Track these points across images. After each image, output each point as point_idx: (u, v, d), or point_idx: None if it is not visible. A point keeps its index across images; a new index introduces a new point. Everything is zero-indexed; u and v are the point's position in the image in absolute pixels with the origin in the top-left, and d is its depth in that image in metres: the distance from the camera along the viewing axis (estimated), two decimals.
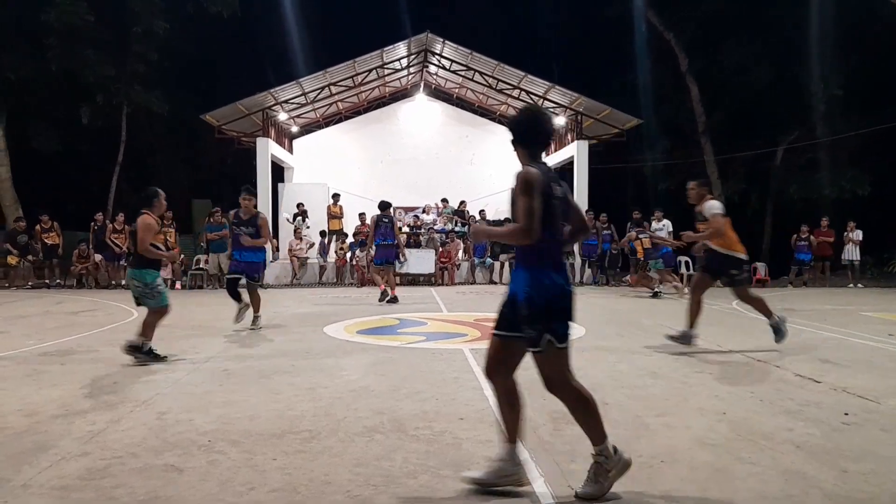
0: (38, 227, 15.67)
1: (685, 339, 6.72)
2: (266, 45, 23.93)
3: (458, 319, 9.22)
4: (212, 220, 15.59)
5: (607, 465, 2.89)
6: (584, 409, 2.95)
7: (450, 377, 5.31)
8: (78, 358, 6.21)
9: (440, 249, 16.86)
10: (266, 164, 17.98)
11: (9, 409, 4.32)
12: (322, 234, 17.41)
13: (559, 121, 19.84)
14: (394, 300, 11.17)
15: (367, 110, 22.70)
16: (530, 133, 3.09)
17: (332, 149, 21.84)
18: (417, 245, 17.21)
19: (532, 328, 2.90)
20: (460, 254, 17.56)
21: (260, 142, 18.17)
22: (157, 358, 5.99)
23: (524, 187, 2.85)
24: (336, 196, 18.64)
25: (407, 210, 19.48)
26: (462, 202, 19.40)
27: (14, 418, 4.11)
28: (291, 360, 6.11)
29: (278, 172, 20.85)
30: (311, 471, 3.21)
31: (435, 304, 11.52)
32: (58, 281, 15.54)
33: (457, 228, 18.29)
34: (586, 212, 16.66)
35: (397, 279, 12.96)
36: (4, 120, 20.09)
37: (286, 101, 19.16)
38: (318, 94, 19.52)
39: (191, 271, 15.93)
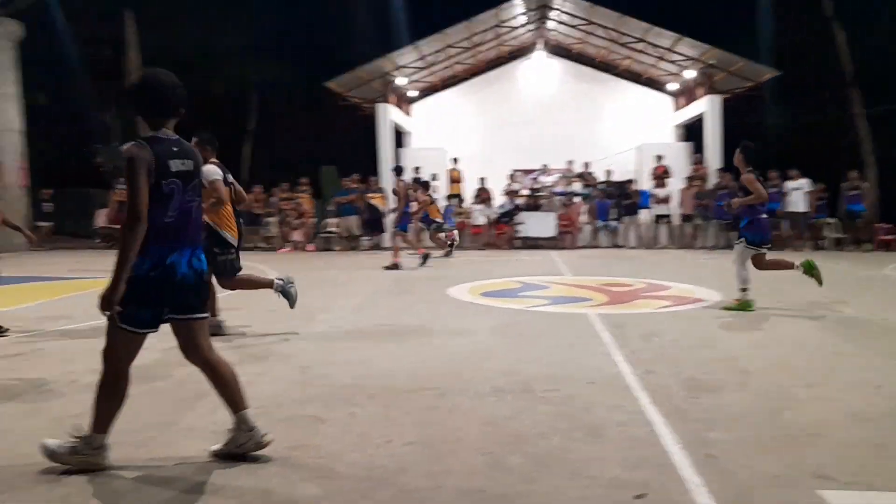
0: None
1: None
2: (384, 8, 24.08)
3: (582, 284, 9.08)
4: (343, 185, 16.19)
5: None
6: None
7: (577, 342, 5.26)
8: (225, 315, 6.67)
9: (561, 213, 16.60)
10: (386, 129, 18.33)
11: (173, 360, 4.72)
12: (449, 198, 17.61)
13: (689, 74, 18.77)
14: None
15: (484, 71, 22.49)
16: (146, 102, 2.86)
17: (450, 112, 21.88)
18: (537, 208, 17.02)
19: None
20: (583, 216, 17.21)
21: (380, 107, 18.51)
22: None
23: (127, 167, 2.65)
24: (455, 160, 18.75)
25: (526, 172, 19.27)
26: (585, 163, 18.92)
27: (177, 368, 4.49)
28: (419, 320, 6.28)
29: (398, 137, 21.23)
30: (443, 427, 3.30)
31: (557, 268, 11.40)
32: None
33: (578, 190, 17.90)
34: (721, 170, 15.81)
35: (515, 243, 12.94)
36: None
37: (405, 66, 19.36)
38: (436, 56, 19.56)
39: (320, 234, 16.67)
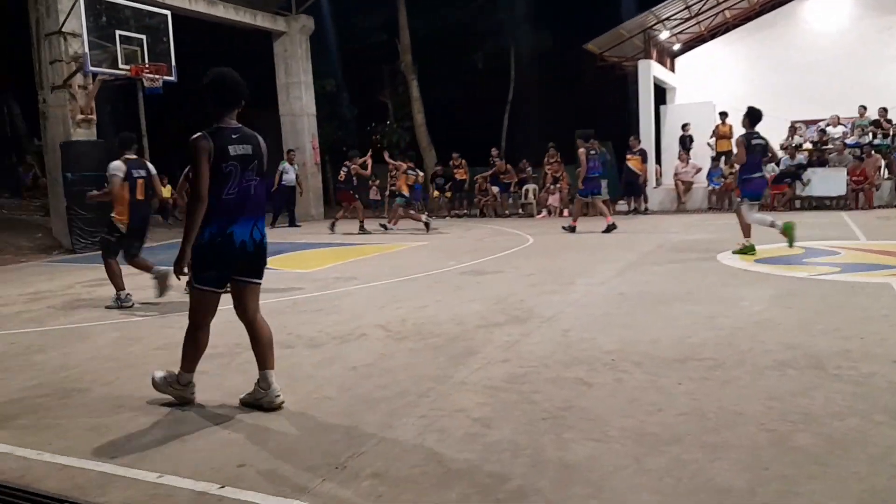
0: (450, 163, 17.99)
1: None
2: None
3: (880, 249, 7.88)
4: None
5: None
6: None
7: (877, 314, 4.60)
8: (489, 278, 7.03)
9: (853, 167, 14.45)
10: (648, 86, 17.47)
11: (444, 318, 5.13)
12: (713, 158, 16.39)
13: None
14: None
15: (759, 14, 20.26)
16: (212, 96, 3.27)
17: (719, 63, 20.13)
18: (823, 164, 15.02)
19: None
20: (882, 172, 14.81)
21: (642, 64, 17.69)
22: None
23: (191, 155, 3.15)
24: (724, 114, 17.29)
25: (809, 123, 17.08)
26: (883, 109, 16.19)
27: (448, 326, 4.86)
28: (687, 287, 5.98)
29: (660, 94, 20.15)
30: (718, 399, 3.13)
31: (849, 230, 10.02)
32: (465, 211, 17.73)
33: (876, 141, 15.42)
34: None
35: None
36: (417, 72, 23.31)
37: (668, 18, 18.23)
38: (704, 4, 18.10)
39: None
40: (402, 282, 7.10)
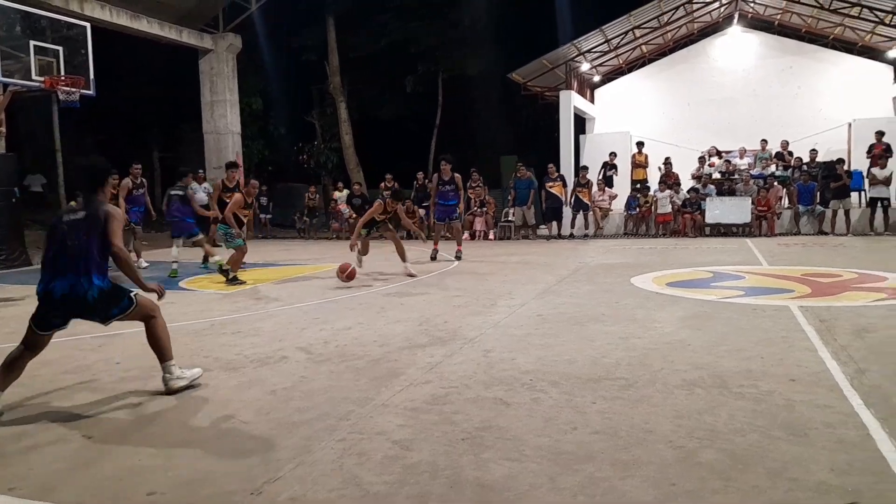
0: (381, 185, 17.88)
1: None
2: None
3: (781, 274, 8.39)
4: (518, 175, 16.24)
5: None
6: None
7: (776, 336, 4.89)
8: (413, 299, 7.06)
9: (757, 196, 15.36)
10: (569, 116, 18.10)
11: (368, 340, 5.11)
12: (633, 184, 17.06)
13: None
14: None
15: (673, 51, 21.38)
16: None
17: (636, 95, 21.09)
18: (731, 193, 15.90)
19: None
20: (783, 201, 15.80)
21: (563, 94, 18.32)
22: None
23: None
24: (640, 144, 18.08)
25: (717, 154, 18.07)
26: (784, 142, 17.33)
27: (371, 348, 4.85)
28: (602, 309, 6.18)
29: (580, 124, 20.87)
30: (630, 417, 3.25)
31: (752, 256, 10.61)
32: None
33: (777, 172, 16.46)
34: None
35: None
36: (345, 94, 23.31)
37: (589, 51, 18.97)
38: (622, 39, 18.95)
39: (500, 223, 16.91)
40: (326, 303, 7.03)
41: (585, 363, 4.26)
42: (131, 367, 4.39)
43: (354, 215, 16.80)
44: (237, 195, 8.91)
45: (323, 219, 19.26)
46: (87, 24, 13.00)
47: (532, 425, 3.18)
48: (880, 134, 15.23)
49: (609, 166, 17.83)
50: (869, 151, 15.24)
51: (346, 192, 18.58)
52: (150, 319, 3.80)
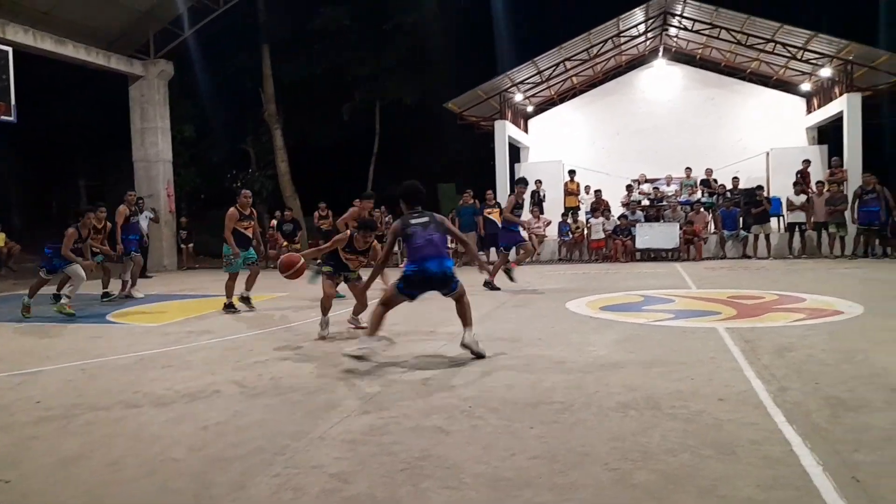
0: (315, 213, 17.58)
1: None
2: (502, 26, 24.56)
3: (708, 297, 8.71)
4: (462, 202, 16.41)
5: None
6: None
7: (705, 357, 5.06)
8: (345, 333, 6.98)
9: (684, 222, 15.96)
10: (504, 145, 18.46)
11: (304, 372, 5.02)
12: (565, 211, 17.45)
13: (824, 72, 17.57)
14: None
15: (602, 82, 22.18)
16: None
17: (568, 125, 21.75)
18: (659, 219, 16.48)
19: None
20: (709, 227, 16.47)
21: (498, 124, 18.69)
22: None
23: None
24: (572, 172, 18.57)
25: (646, 182, 18.74)
26: (709, 170, 18.12)
27: (308, 380, 4.77)
28: (538, 334, 6.27)
29: (514, 153, 21.29)
30: (567, 441, 3.29)
31: (681, 280, 10.99)
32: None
33: (703, 199, 17.17)
34: (865, 174, 14.72)
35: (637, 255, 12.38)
36: (281, 121, 23.12)
37: (522, 82, 19.47)
38: (553, 71, 19.53)
39: None
40: (261, 335, 6.88)
41: (523, 388, 4.30)
42: (52, 406, 4.18)
43: (286, 243, 16.50)
44: (230, 210, 8.73)
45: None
46: (10, 49, 12.52)
47: (471, 453, 3.18)
48: (807, 162, 16.63)
49: (535, 193, 18.17)
50: (802, 177, 16.32)
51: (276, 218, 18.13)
52: None
